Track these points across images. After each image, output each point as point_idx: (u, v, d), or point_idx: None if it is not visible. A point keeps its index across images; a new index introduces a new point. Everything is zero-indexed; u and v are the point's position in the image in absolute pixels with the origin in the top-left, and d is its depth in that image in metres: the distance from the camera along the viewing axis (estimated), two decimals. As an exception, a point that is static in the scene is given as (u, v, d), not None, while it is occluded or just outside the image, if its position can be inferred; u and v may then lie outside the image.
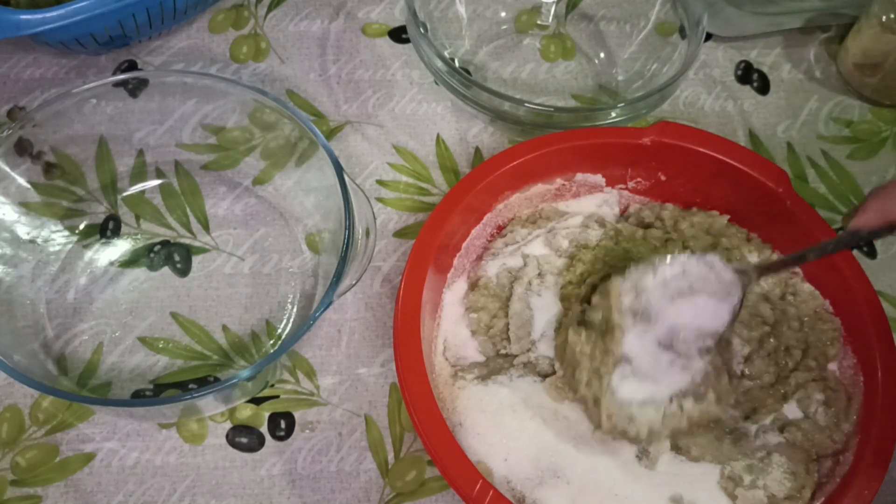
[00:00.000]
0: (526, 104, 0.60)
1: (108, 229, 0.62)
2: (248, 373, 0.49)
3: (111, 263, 0.60)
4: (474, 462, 0.48)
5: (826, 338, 0.55)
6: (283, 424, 0.56)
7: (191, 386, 0.57)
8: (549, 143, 0.58)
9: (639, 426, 0.49)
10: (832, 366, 0.55)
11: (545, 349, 0.55)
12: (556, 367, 0.54)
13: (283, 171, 0.62)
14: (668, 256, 0.49)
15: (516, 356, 0.55)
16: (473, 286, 0.57)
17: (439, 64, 0.62)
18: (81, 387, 0.56)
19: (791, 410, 0.53)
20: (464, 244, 0.59)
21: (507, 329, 0.55)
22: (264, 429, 0.56)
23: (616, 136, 0.59)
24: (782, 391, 0.53)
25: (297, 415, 0.56)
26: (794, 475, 0.50)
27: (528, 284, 0.56)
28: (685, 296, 0.49)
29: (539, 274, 0.57)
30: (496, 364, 0.54)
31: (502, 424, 0.51)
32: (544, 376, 0.54)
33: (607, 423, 0.49)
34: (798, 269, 0.58)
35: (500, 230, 0.61)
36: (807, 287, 0.57)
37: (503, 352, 0.55)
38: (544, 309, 0.56)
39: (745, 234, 0.59)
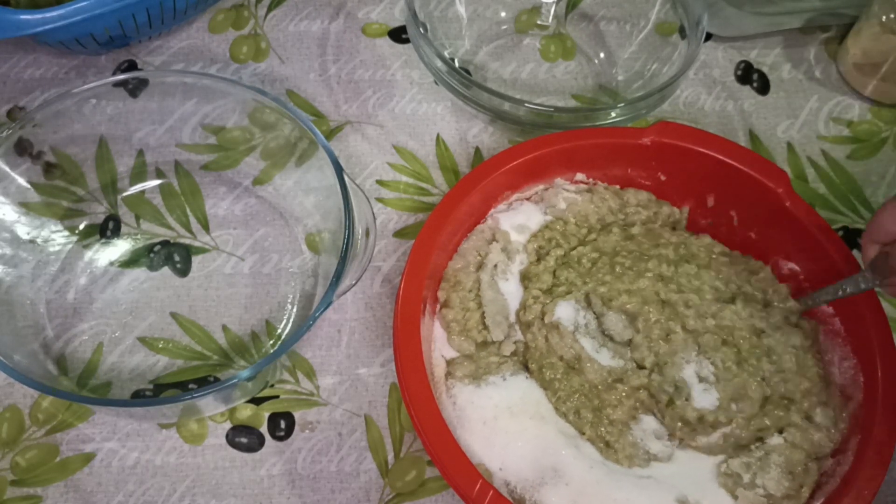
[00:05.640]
0: (526, 104, 0.60)
1: (108, 229, 0.62)
2: (248, 373, 0.49)
3: (111, 263, 0.60)
4: (474, 465, 0.48)
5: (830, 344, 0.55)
6: (282, 424, 0.56)
7: (191, 386, 0.57)
8: (549, 143, 0.58)
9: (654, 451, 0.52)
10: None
11: (522, 335, 0.55)
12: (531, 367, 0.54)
13: (283, 171, 0.62)
14: None
15: (501, 343, 0.54)
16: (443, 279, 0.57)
17: (439, 64, 0.62)
18: (81, 387, 0.56)
19: None
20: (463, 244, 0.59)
21: (483, 318, 0.55)
22: (264, 429, 0.56)
23: (616, 136, 0.59)
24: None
25: (296, 415, 0.56)
26: (792, 475, 0.50)
27: (494, 269, 0.57)
28: None
29: (504, 250, 0.57)
30: (484, 362, 0.54)
31: (500, 428, 0.51)
32: (528, 366, 0.54)
33: (627, 462, 0.51)
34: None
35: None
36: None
37: (482, 341, 0.55)
38: (513, 293, 0.57)
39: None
